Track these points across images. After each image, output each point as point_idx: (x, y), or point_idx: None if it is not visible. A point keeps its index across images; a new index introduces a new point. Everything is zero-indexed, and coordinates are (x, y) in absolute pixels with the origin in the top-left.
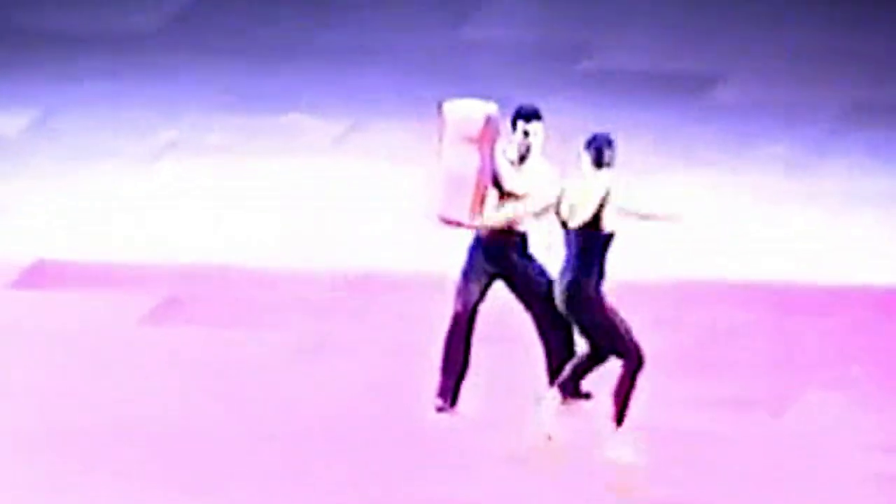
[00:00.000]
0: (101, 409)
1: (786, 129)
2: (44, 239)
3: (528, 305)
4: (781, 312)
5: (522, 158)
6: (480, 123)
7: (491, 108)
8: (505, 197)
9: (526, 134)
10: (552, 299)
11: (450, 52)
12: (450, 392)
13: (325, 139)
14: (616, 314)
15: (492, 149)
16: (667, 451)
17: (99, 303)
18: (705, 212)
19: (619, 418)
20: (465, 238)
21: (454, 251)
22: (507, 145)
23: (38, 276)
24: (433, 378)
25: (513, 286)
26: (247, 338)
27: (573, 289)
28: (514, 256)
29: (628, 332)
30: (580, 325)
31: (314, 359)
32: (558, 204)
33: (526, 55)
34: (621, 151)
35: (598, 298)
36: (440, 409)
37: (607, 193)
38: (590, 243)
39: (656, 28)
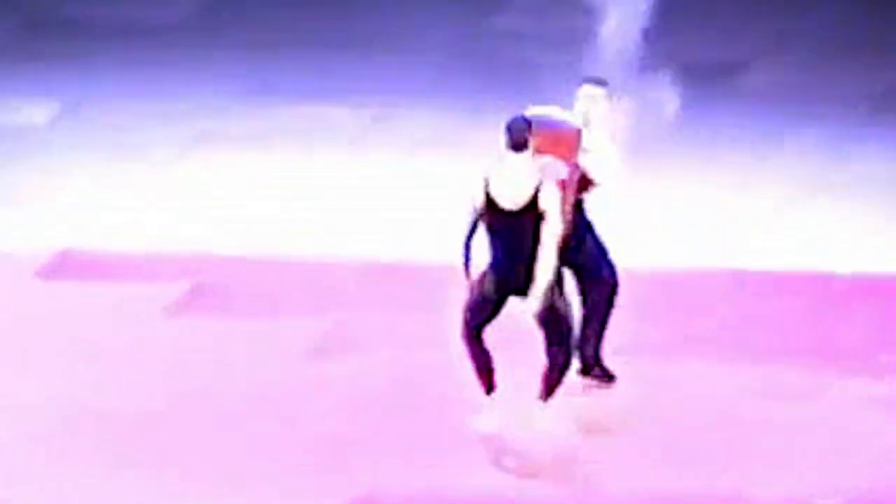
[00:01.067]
0: (128, 399)
1: (819, 115)
2: (72, 229)
3: (581, 279)
4: (816, 302)
5: (585, 125)
6: (569, 140)
7: (576, 121)
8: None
9: (588, 99)
10: (604, 278)
11: (479, 41)
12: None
13: (352, 129)
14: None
15: (578, 157)
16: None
17: (126, 293)
18: (732, 201)
19: (548, 395)
20: None
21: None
22: (572, 113)
23: (65, 266)
24: (454, 370)
25: (569, 258)
26: (272, 328)
27: (529, 268)
28: (575, 221)
29: (569, 317)
30: (547, 310)
31: (341, 349)
32: (487, 189)
33: (555, 43)
34: (650, 139)
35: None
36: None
37: (541, 179)
38: (528, 224)
39: (685, 13)
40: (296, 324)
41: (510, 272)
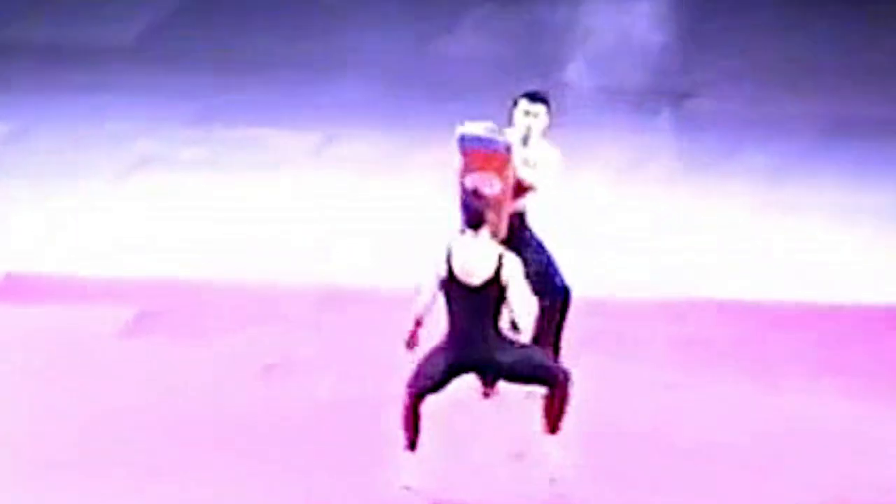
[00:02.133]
0: (73, 423)
1: (764, 143)
2: (16, 253)
3: (532, 285)
4: (760, 327)
5: (524, 140)
6: (500, 156)
7: (506, 138)
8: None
9: (526, 114)
10: (555, 285)
11: (425, 65)
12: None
13: (299, 152)
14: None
15: (509, 175)
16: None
17: (71, 317)
18: (681, 226)
19: (554, 429)
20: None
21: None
22: (510, 128)
23: (9, 290)
24: (400, 395)
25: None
26: (220, 352)
27: (494, 341)
28: (519, 233)
29: (544, 357)
30: (510, 369)
31: (286, 375)
32: (449, 262)
33: (502, 68)
34: (599, 166)
35: (510, 340)
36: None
37: (502, 253)
38: (491, 298)
39: (633, 43)
40: (241, 347)
41: (468, 347)
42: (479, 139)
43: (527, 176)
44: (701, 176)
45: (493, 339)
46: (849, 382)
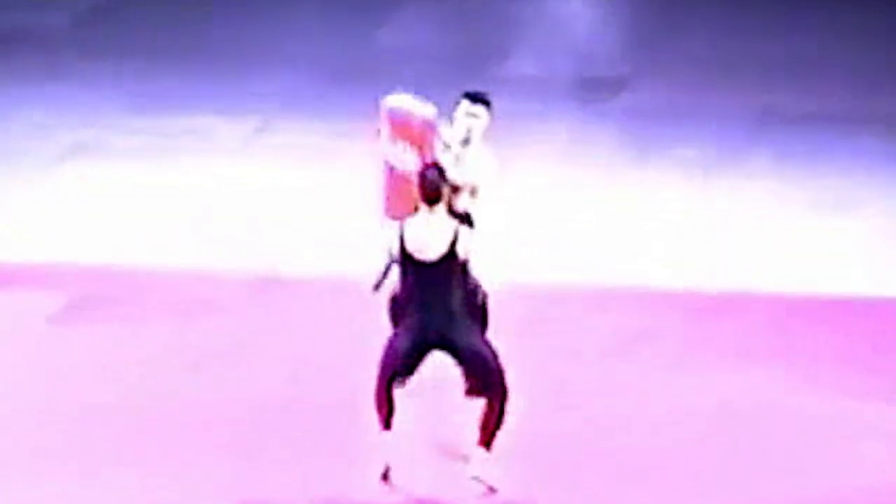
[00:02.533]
0: (5, 411)
1: (698, 133)
2: None
3: None
4: (694, 315)
5: (465, 142)
6: (420, 126)
7: (429, 110)
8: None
9: (468, 115)
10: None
11: (365, 54)
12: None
13: (234, 140)
14: (488, 343)
15: (431, 149)
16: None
17: (2, 303)
18: (617, 215)
19: (489, 443)
20: (375, 241)
21: (363, 253)
22: (450, 129)
23: None
24: (336, 385)
25: None
26: (154, 339)
27: (454, 318)
28: None
29: (496, 359)
30: (458, 354)
31: (220, 361)
32: (402, 239)
33: (440, 59)
34: (535, 156)
35: (473, 323)
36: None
37: (457, 227)
38: (451, 273)
39: (566, 33)
40: (174, 335)
41: (428, 324)
42: (401, 109)
43: (457, 176)
44: (637, 165)
45: (453, 316)
46: (782, 370)
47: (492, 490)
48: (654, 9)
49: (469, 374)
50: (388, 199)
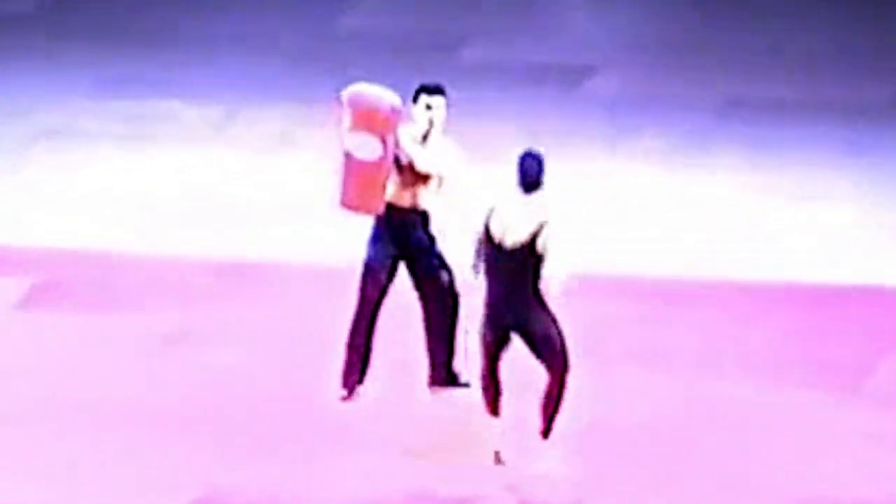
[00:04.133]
0: None
1: (662, 122)
2: None
3: (422, 292)
4: (655, 305)
5: (425, 136)
6: (385, 114)
7: (394, 98)
8: (409, 177)
9: (428, 108)
10: (444, 288)
11: (329, 40)
12: (355, 380)
13: (203, 126)
14: (557, 324)
15: (394, 137)
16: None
17: None
18: (580, 204)
19: (547, 430)
20: (341, 227)
21: (329, 240)
22: (410, 123)
23: None
24: (305, 369)
25: (411, 269)
26: (119, 324)
27: (524, 306)
28: (418, 234)
29: (563, 341)
30: (530, 337)
31: (186, 346)
32: (488, 221)
33: (403, 45)
34: (496, 142)
35: (545, 308)
36: (345, 398)
37: (545, 221)
38: (527, 261)
39: (533, 18)
40: (144, 320)
41: (504, 311)
42: (365, 98)
43: (422, 163)
44: (602, 154)
45: (526, 303)
46: (746, 359)
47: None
48: None
49: (538, 355)
50: (345, 188)
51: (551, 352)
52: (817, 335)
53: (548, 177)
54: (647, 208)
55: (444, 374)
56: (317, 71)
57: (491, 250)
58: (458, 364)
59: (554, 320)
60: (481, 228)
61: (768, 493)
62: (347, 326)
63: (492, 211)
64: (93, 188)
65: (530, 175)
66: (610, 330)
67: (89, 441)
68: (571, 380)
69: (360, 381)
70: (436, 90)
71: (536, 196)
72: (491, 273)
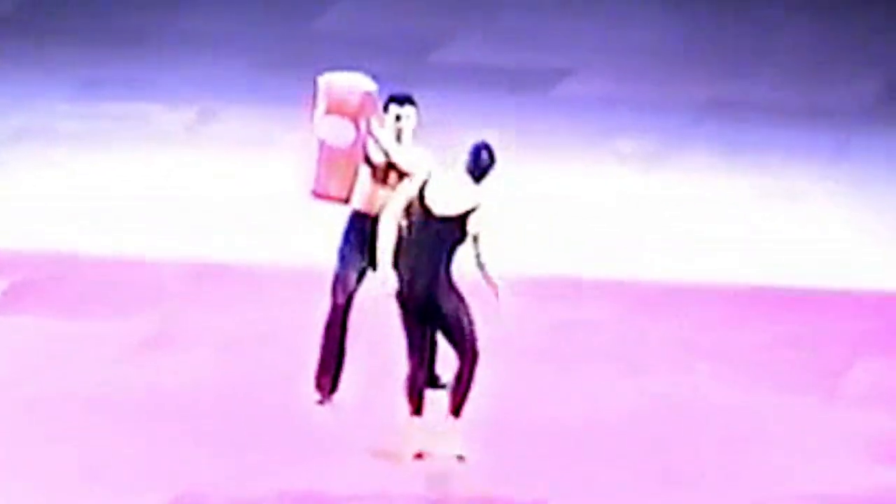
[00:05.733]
0: None
1: (639, 124)
2: None
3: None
4: (632, 309)
5: (396, 145)
6: (359, 98)
7: (369, 83)
8: (382, 173)
9: (398, 118)
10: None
11: (303, 42)
12: (329, 383)
13: (175, 128)
14: (467, 307)
15: (368, 124)
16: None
17: None
18: (556, 207)
19: (457, 410)
20: (314, 228)
21: (304, 242)
22: (380, 130)
23: None
24: (278, 370)
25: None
26: (95, 326)
27: (435, 279)
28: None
29: (472, 325)
30: (441, 316)
31: (160, 348)
32: (424, 185)
33: (378, 47)
34: (470, 144)
35: (457, 290)
36: (320, 402)
37: (482, 205)
38: (451, 236)
39: (508, 21)
40: (120, 322)
41: (417, 279)
42: (339, 83)
43: (397, 156)
44: (579, 155)
45: (437, 277)
46: (723, 362)
47: (461, 459)
48: None
49: (448, 337)
50: (318, 174)
51: (461, 335)
52: (796, 338)
53: (522, 178)
54: (623, 211)
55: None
56: (291, 72)
57: (419, 215)
58: (438, 366)
59: (464, 303)
60: (416, 189)
61: (746, 494)
62: (321, 331)
63: (430, 176)
64: (67, 190)
65: (480, 165)
66: (587, 333)
67: (66, 442)
68: (548, 381)
69: (335, 384)
70: (405, 100)
71: (482, 184)
72: (414, 238)
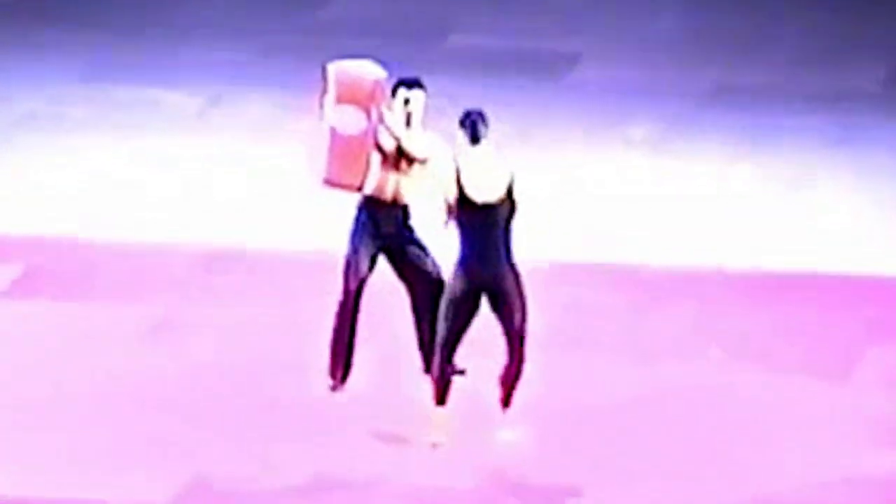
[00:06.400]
0: None
1: (649, 110)
2: None
3: (408, 281)
4: (642, 295)
5: (405, 129)
6: (370, 86)
7: (380, 71)
8: (393, 159)
9: (407, 102)
10: (430, 276)
11: (312, 27)
12: (341, 370)
13: (184, 114)
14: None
15: (380, 111)
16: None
17: None
18: (564, 193)
19: (507, 401)
20: (325, 214)
21: (314, 229)
22: (391, 116)
23: None
24: (289, 357)
25: (395, 261)
26: (104, 313)
27: (499, 264)
28: (399, 227)
29: (526, 314)
30: (504, 297)
31: (169, 335)
32: (458, 180)
33: (388, 32)
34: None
35: (518, 275)
36: (333, 388)
37: (511, 173)
38: (502, 215)
39: (519, 5)
40: (129, 309)
41: (481, 268)
42: (349, 71)
43: (408, 142)
44: (588, 142)
45: (499, 260)
46: (733, 348)
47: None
48: None
49: (504, 320)
50: (330, 163)
51: (512, 313)
52: (806, 323)
53: (531, 164)
54: (634, 197)
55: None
56: (300, 58)
57: (464, 208)
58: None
59: (522, 291)
60: (452, 187)
61: (758, 479)
62: (333, 316)
63: (458, 170)
64: (74, 175)
65: (480, 135)
66: (596, 319)
67: (75, 430)
68: (558, 367)
69: (347, 371)
70: (414, 84)
71: (487, 149)
72: (465, 235)
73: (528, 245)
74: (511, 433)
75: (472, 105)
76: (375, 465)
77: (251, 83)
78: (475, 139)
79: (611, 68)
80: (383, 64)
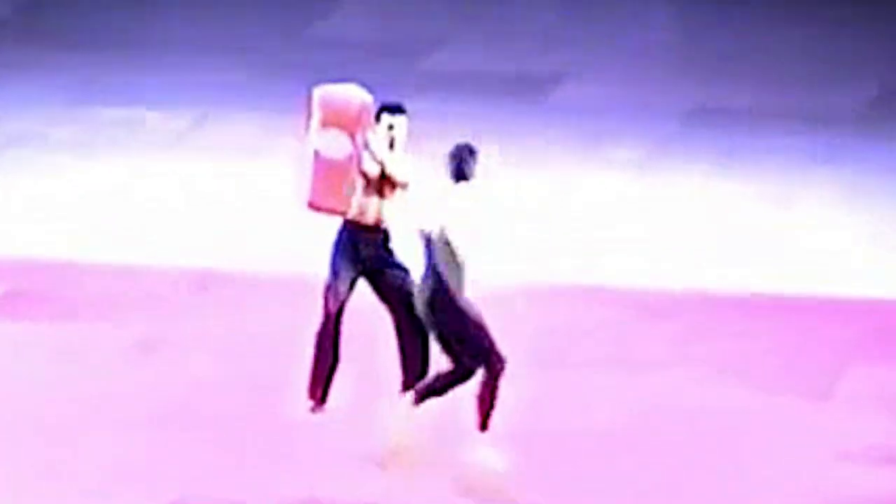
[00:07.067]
0: None
1: (633, 130)
2: None
3: (390, 303)
4: (625, 315)
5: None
6: (355, 111)
7: (365, 95)
8: (376, 183)
9: (391, 127)
10: (411, 297)
11: (297, 49)
12: (321, 392)
13: (170, 134)
14: (480, 319)
15: (365, 136)
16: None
17: None
18: (548, 213)
19: (484, 423)
20: (308, 235)
21: (298, 249)
22: (375, 141)
23: None
24: (270, 378)
25: (376, 283)
26: (88, 333)
27: (436, 295)
28: (379, 251)
29: (489, 336)
30: (443, 333)
31: (154, 355)
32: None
33: (373, 53)
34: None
35: (460, 304)
36: (313, 410)
37: (466, 211)
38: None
39: (500, 27)
40: (113, 330)
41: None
42: (335, 95)
43: (392, 167)
44: (573, 161)
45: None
46: (716, 369)
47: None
48: (590, 3)
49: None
50: (313, 187)
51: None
52: (790, 344)
53: (516, 184)
54: (617, 217)
55: (418, 381)
56: (284, 79)
57: (424, 245)
58: (432, 371)
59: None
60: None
61: (742, 498)
62: (313, 337)
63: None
64: (61, 196)
65: (462, 165)
66: (583, 339)
67: (62, 448)
68: (544, 387)
69: (326, 392)
70: (397, 109)
71: (462, 187)
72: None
73: (510, 266)
74: (491, 454)
75: (454, 125)
76: (356, 485)
77: (237, 103)
78: (459, 177)
79: (593, 89)
80: (368, 86)
